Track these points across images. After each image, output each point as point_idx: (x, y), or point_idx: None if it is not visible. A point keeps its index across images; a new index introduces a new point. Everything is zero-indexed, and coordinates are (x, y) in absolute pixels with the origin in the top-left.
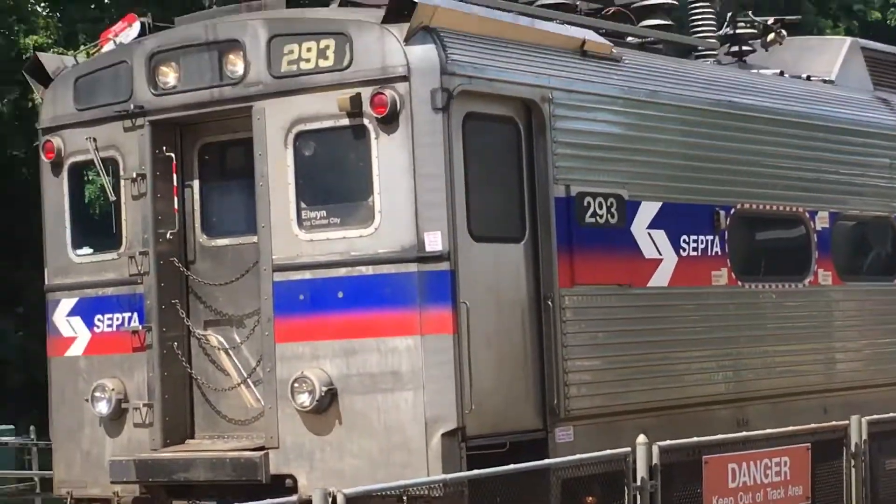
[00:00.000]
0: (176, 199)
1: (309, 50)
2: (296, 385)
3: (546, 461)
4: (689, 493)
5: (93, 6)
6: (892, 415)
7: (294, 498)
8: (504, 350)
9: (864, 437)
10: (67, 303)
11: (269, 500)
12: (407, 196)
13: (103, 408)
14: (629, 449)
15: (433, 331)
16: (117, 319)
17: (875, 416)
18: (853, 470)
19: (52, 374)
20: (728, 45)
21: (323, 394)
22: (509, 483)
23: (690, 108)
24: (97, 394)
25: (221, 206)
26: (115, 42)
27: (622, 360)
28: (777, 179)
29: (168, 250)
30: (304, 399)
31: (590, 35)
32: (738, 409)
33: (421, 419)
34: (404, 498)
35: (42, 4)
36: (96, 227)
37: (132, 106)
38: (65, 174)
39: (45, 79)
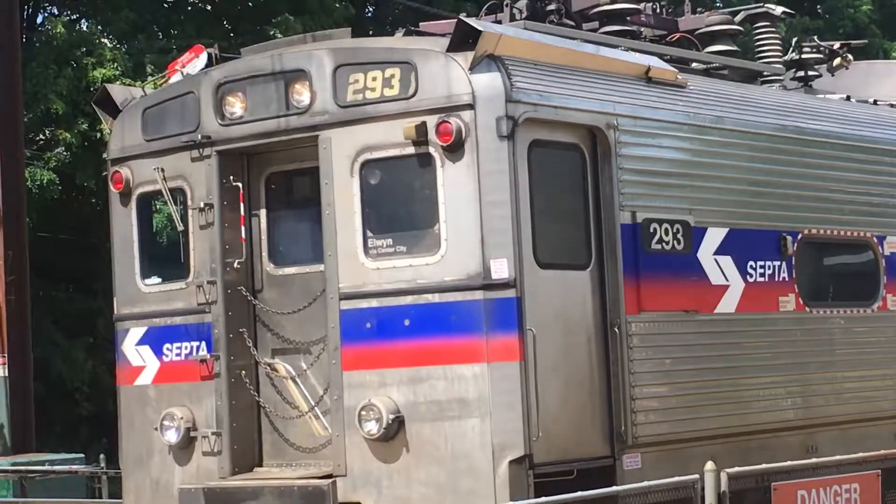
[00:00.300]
0: (243, 228)
1: (374, 79)
2: (363, 413)
3: (614, 488)
4: None
5: (160, 37)
6: None
7: None
8: (571, 377)
9: None
10: (136, 332)
11: None
12: (473, 224)
13: (172, 436)
14: (697, 476)
15: (500, 358)
16: (186, 348)
17: None
18: None
19: (121, 403)
20: (794, 70)
21: (390, 421)
22: None
23: (756, 133)
24: (166, 422)
25: (288, 234)
26: (182, 73)
27: (689, 386)
28: (844, 205)
29: (235, 279)
30: (372, 427)
31: (654, 61)
32: (807, 436)
33: (488, 446)
34: None
35: (110, 37)
36: (164, 256)
37: (199, 136)
38: (133, 204)
39: (113, 110)
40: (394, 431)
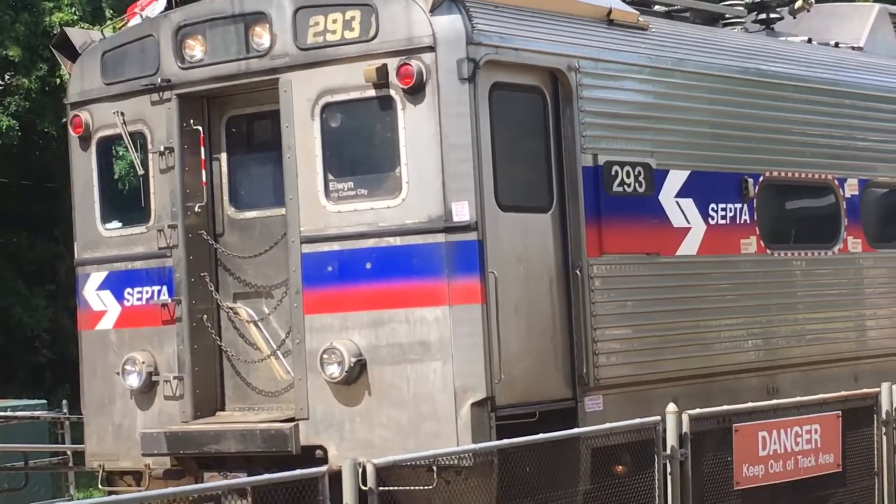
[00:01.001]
0: (204, 172)
1: (335, 21)
2: (325, 356)
3: (576, 430)
4: (718, 462)
5: None
6: None
7: (324, 469)
8: (533, 320)
9: (895, 404)
10: (97, 277)
11: (299, 471)
12: (434, 166)
13: (134, 381)
14: (659, 418)
15: (461, 301)
16: (147, 293)
17: None
18: (884, 437)
19: (82, 348)
20: (755, 12)
21: (352, 365)
22: (539, 452)
23: (718, 76)
24: (128, 367)
25: (249, 178)
26: (141, 16)
27: (651, 328)
28: (805, 147)
29: (196, 223)
30: (334, 370)
31: (616, 4)
32: (768, 378)
33: (450, 389)
34: (434, 468)
35: None
36: (125, 200)
37: (159, 79)
38: (93, 148)
39: (72, 54)
40: (356, 375)
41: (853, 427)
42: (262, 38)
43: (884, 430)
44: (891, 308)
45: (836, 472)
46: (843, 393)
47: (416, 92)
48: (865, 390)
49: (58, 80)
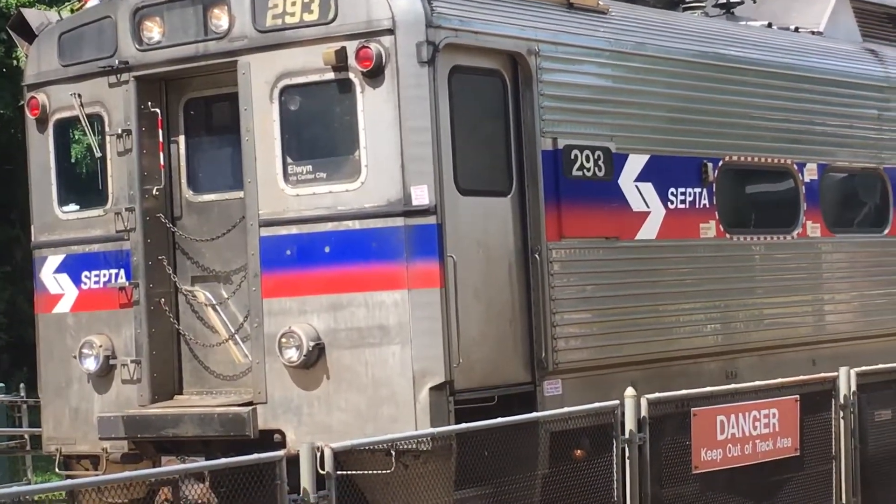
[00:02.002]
0: (161, 154)
1: (293, 4)
2: (283, 340)
3: (534, 414)
4: (677, 446)
5: None
6: (880, 366)
7: (281, 453)
8: (492, 304)
9: (853, 388)
10: (54, 260)
11: (256, 455)
12: (393, 150)
13: (91, 364)
14: (617, 402)
15: (420, 285)
16: (104, 276)
17: (864, 368)
18: (842, 421)
19: (39, 332)
20: None
21: (310, 349)
22: (497, 436)
23: (678, 60)
24: (85, 350)
25: (207, 161)
26: None
27: (610, 312)
28: (765, 132)
29: (154, 206)
30: (292, 354)
31: None
32: (727, 362)
33: (409, 373)
34: (392, 452)
35: None
36: (82, 183)
37: (117, 61)
38: (50, 131)
39: (29, 35)
40: (314, 359)
41: (811, 411)
42: (220, 20)
43: (841, 414)
44: (849, 293)
45: (794, 456)
46: (802, 377)
47: (375, 75)
48: (823, 375)
49: (14, 62)
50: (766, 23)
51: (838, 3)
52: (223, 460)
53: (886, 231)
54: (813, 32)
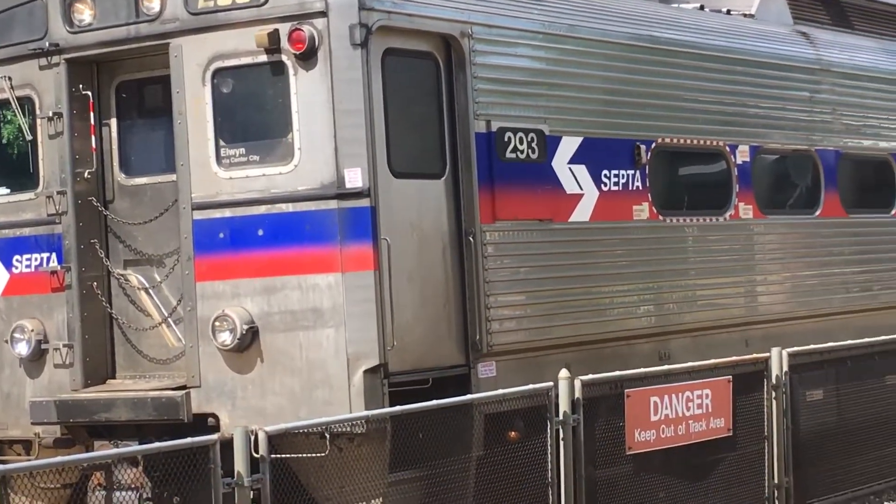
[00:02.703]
0: (93, 137)
1: None
2: (217, 324)
3: (468, 396)
4: (611, 427)
5: None
6: (812, 347)
7: (215, 437)
8: (426, 286)
9: (785, 368)
10: None
11: (190, 439)
12: (326, 133)
13: (23, 349)
14: (551, 383)
15: (354, 268)
16: (36, 260)
17: (795, 349)
18: (774, 402)
19: None
20: None
21: (244, 332)
22: (432, 419)
23: (610, 42)
24: (16, 335)
25: (140, 144)
26: None
27: (544, 294)
28: (697, 113)
29: (86, 189)
30: (226, 337)
31: None
32: (661, 343)
33: (343, 356)
34: (326, 435)
35: None
36: (13, 166)
37: (47, 44)
38: None
39: None
40: (248, 342)
41: (743, 392)
42: (152, 2)
43: (773, 394)
44: (781, 274)
45: (727, 437)
46: (734, 358)
47: (307, 58)
48: (755, 355)
49: None
50: (698, 5)
51: None
52: (156, 444)
53: (818, 212)
54: (745, 15)
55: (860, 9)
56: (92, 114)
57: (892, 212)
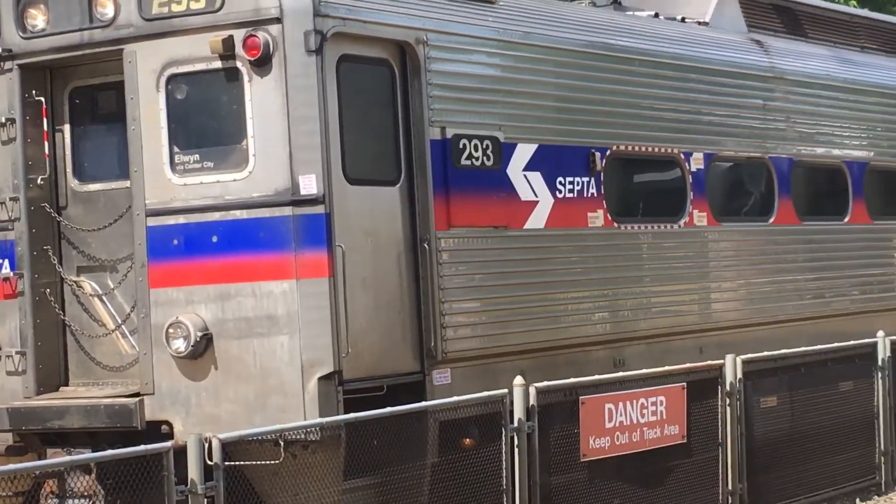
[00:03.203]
0: (46, 144)
1: None
2: (171, 330)
3: (423, 403)
4: (566, 434)
5: None
6: (766, 353)
7: (168, 444)
8: (381, 293)
9: (739, 375)
10: None
11: (143, 447)
12: (281, 139)
13: None
14: (506, 390)
15: (308, 275)
16: None
17: (749, 355)
18: (728, 408)
19: None
20: None
21: (198, 339)
22: (386, 426)
23: (565, 49)
24: None
25: (93, 150)
26: None
27: (499, 301)
28: (652, 121)
29: (39, 196)
30: (179, 344)
31: None
32: (615, 350)
33: (297, 363)
34: (281, 442)
35: None
36: None
37: (0, 49)
38: None
39: None
40: (202, 349)
41: (698, 398)
42: (105, 7)
43: (727, 401)
44: (735, 281)
45: (682, 444)
46: (688, 365)
47: (262, 64)
48: (710, 362)
49: None
50: (652, 13)
51: None
52: (109, 452)
53: (772, 219)
54: (699, 23)
55: (814, 17)
56: (45, 120)
57: (845, 219)
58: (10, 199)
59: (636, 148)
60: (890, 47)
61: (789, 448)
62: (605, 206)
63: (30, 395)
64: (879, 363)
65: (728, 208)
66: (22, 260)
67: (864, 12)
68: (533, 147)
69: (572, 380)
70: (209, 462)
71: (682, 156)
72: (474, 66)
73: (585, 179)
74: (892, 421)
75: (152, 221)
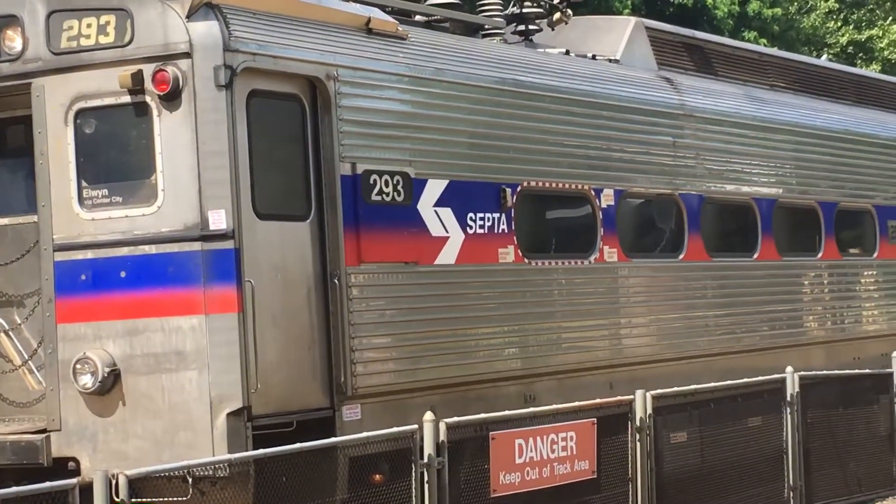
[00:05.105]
0: None
1: (89, 26)
2: (78, 366)
3: (332, 439)
4: (476, 469)
5: None
6: (676, 389)
7: (74, 481)
8: (290, 329)
9: (649, 411)
10: None
11: (48, 483)
12: (190, 174)
13: None
14: (416, 426)
15: (217, 310)
16: None
17: (659, 391)
18: (638, 444)
19: None
20: (514, 24)
21: (106, 374)
22: (296, 462)
23: (476, 86)
24: None
25: (1, 184)
26: None
27: (410, 337)
28: (563, 157)
29: None
30: (87, 380)
31: (375, 13)
32: (526, 385)
33: (206, 399)
34: (189, 478)
35: None
36: None
37: None
38: None
39: None
40: (110, 385)
41: (608, 434)
42: (13, 41)
43: (637, 436)
44: (646, 316)
45: (592, 479)
46: (599, 400)
47: (171, 98)
48: (620, 398)
49: None
50: (563, 50)
51: (634, 31)
52: (14, 489)
53: (682, 256)
54: (610, 60)
55: (724, 55)
56: None
57: (755, 255)
58: None
59: (547, 184)
60: (799, 85)
61: (699, 483)
62: (515, 241)
63: None
64: (788, 398)
65: (638, 244)
66: None
67: (774, 51)
68: (444, 183)
69: (483, 415)
70: (116, 499)
71: (592, 192)
72: (385, 102)
73: (496, 215)
74: (801, 456)
75: (60, 256)
